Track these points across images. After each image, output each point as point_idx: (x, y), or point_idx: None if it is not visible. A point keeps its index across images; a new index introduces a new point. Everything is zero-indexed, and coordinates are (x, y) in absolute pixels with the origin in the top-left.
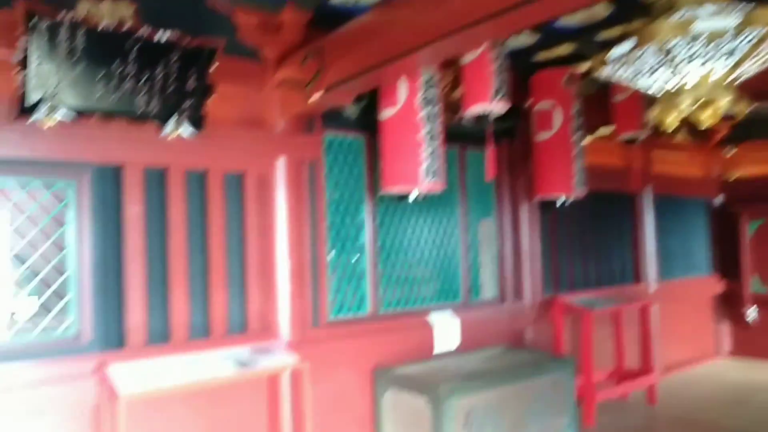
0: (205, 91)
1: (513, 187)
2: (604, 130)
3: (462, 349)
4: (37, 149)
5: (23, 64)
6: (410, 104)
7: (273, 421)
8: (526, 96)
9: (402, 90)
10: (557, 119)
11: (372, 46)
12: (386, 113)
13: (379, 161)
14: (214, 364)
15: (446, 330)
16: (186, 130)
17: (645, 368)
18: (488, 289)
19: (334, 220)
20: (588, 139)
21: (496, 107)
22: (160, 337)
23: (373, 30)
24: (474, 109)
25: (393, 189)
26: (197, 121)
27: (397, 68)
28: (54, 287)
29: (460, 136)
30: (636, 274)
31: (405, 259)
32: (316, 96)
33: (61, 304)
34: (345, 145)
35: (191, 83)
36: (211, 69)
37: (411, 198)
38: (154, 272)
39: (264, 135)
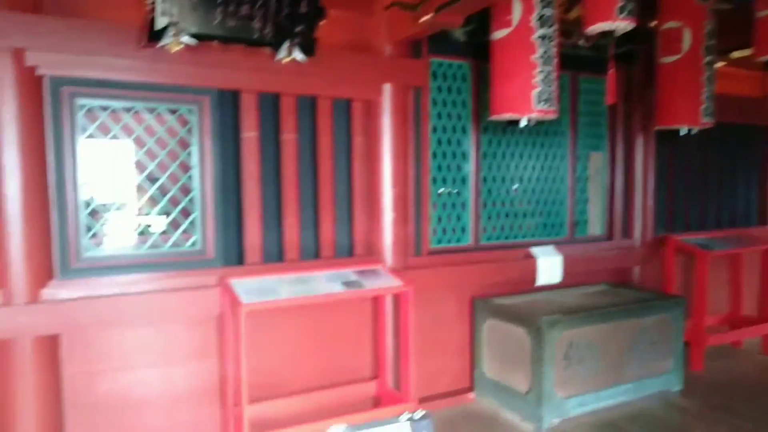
0: (316, 15)
1: (629, 117)
2: (740, 53)
3: (564, 284)
4: (163, 75)
5: None
6: (525, 24)
7: (377, 339)
8: (651, 15)
9: (516, 8)
10: (686, 40)
11: None
12: (498, 34)
13: (487, 86)
14: (324, 282)
15: (548, 264)
16: (298, 55)
17: (764, 315)
18: (595, 225)
19: (437, 149)
20: (720, 64)
21: (621, 25)
22: (274, 256)
23: None
24: (596, 28)
25: (502, 115)
26: (309, 46)
27: None
28: (181, 206)
29: (573, 61)
30: (761, 216)
31: (508, 191)
32: (426, 17)
33: (187, 221)
34: (451, 70)
35: (303, 7)
36: None
37: (521, 125)
38: (269, 195)
39: (371, 60)
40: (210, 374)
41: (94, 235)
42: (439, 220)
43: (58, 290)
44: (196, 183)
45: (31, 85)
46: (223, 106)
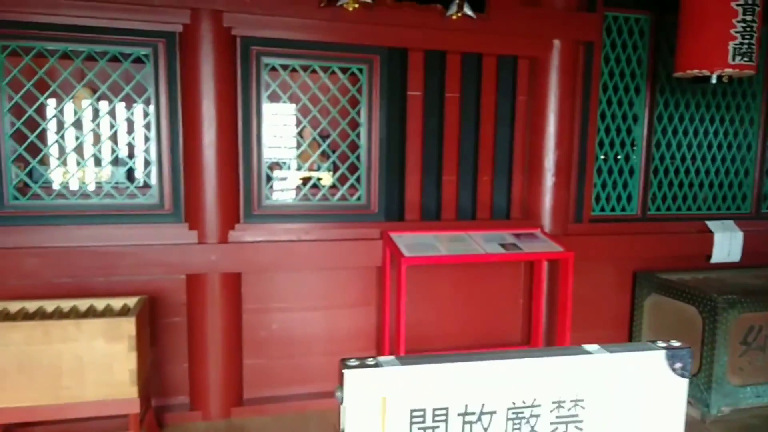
0: None
1: None
2: None
3: (741, 264)
4: (339, 34)
5: None
6: None
7: (531, 305)
8: None
9: None
10: None
11: None
12: None
13: (668, 42)
14: (481, 243)
15: (726, 240)
16: (468, 11)
17: None
18: None
19: (606, 110)
20: None
21: None
22: (432, 214)
23: None
24: None
25: (689, 72)
26: (479, 2)
27: None
28: (348, 162)
29: None
30: None
31: (684, 158)
32: None
33: (354, 177)
34: (628, 25)
35: None
36: None
37: (711, 81)
38: (430, 154)
39: (542, 14)
40: (368, 321)
41: (272, 186)
42: (603, 186)
43: (242, 233)
44: (363, 140)
45: (225, 45)
46: (391, 65)
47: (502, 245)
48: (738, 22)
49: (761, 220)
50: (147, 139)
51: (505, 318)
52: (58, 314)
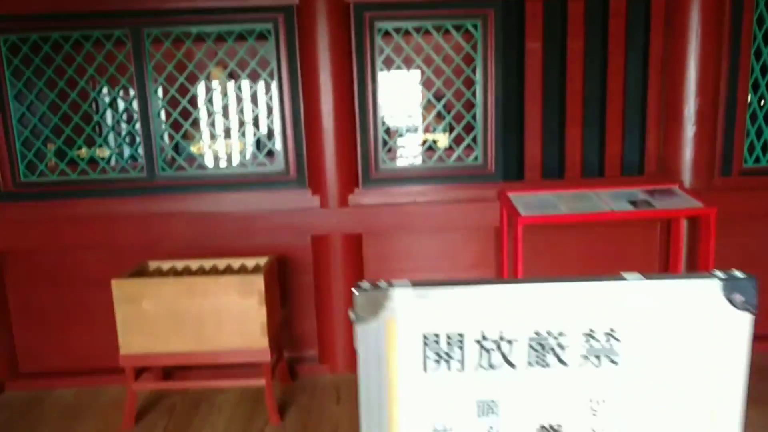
0: None
1: None
2: None
3: None
4: None
5: None
6: None
7: (667, 267)
8: None
9: None
10: None
11: None
12: None
13: None
14: (607, 200)
15: None
16: None
17: None
18: None
19: (763, 46)
20: None
21: None
22: (554, 172)
23: None
24: None
25: None
26: None
27: None
28: (464, 122)
29: None
30: None
31: None
32: None
33: (470, 137)
34: None
35: None
36: None
37: None
38: (551, 109)
39: None
40: None
41: (389, 150)
42: (759, 134)
43: (361, 197)
44: (478, 99)
45: (339, 14)
46: (507, 17)
47: (632, 202)
48: None
49: None
50: (271, 110)
51: None
52: (201, 272)
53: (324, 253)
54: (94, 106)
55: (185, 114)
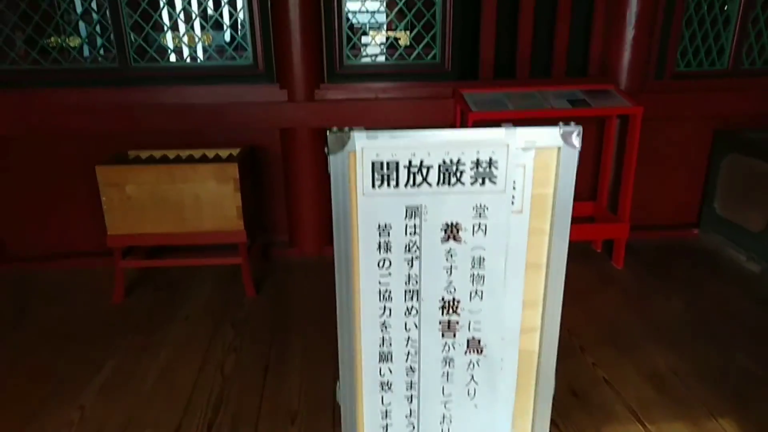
0: None
1: None
2: None
3: None
4: None
5: None
6: None
7: (600, 161)
8: None
9: None
10: None
11: None
12: None
13: None
14: (550, 99)
15: None
16: None
17: None
18: None
19: None
20: None
21: None
22: (506, 72)
23: None
24: None
25: None
26: None
27: None
28: (423, 20)
29: None
30: None
31: None
32: None
33: (428, 36)
34: None
35: None
36: None
37: None
38: (505, 9)
39: None
40: None
41: (353, 47)
42: (692, 39)
43: (326, 92)
44: None
45: None
46: None
47: (571, 101)
48: None
49: None
50: (241, 4)
51: None
52: (179, 161)
53: (292, 145)
54: None
55: (154, 5)
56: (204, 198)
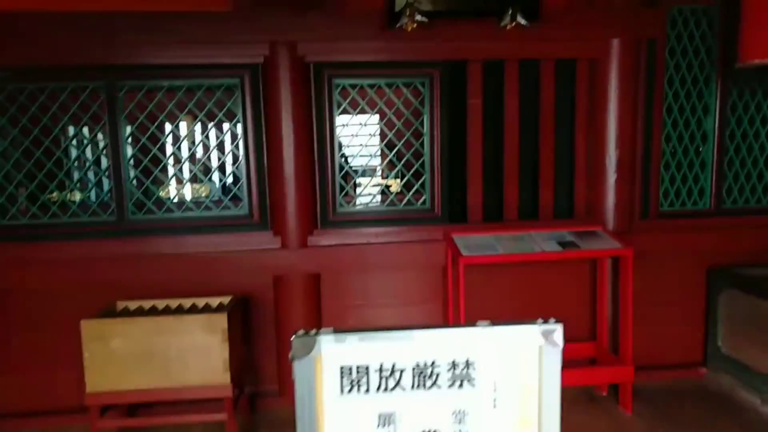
0: None
1: None
2: None
3: None
4: (401, 53)
5: None
6: None
7: (596, 302)
8: None
9: None
10: None
11: None
12: None
13: (738, 27)
14: (539, 242)
15: None
16: (521, 20)
17: None
18: None
19: (673, 103)
20: None
21: None
22: (494, 215)
23: None
24: None
25: (753, 61)
26: (532, 10)
27: None
28: (413, 169)
29: None
30: None
31: (764, 148)
32: None
33: (419, 183)
34: (694, 16)
35: None
36: None
37: None
38: (490, 158)
39: (599, 16)
40: (436, 316)
41: (345, 194)
42: (672, 181)
43: (319, 238)
44: (426, 148)
45: (299, 70)
46: (451, 77)
47: (561, 243)
48: None
49: None
50: (237, 158)
51: (571, 315)
52: (168, 311)
53: (284, 291)
54: (66, 152)
55: (155, 160)
56: (190, 350)
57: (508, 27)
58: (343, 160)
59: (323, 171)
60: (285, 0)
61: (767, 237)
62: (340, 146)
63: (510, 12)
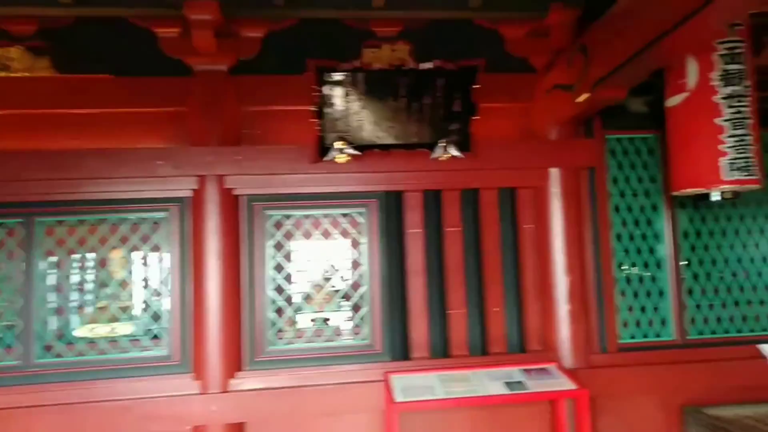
0: (469, 112)
1: None
2: None
3: None
4: (335, 184)
5: (319, 113)
6: (704, 84)
7: None
8: None
9: (691, 70)
10: None
11: (642, 22)
12: (673, 101)
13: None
14: (485, 382)
15: None
16: (454, 152)
17: None
18: None
19: (622, 230)
20: None
21: None
22: (440, 352)
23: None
24: None
25: (685, 191)
26: (464, 143)
27: (676, 42)
28: (351, 301)
29: None
30: None
31: (721, 275)
32: (583, 96)
33: (358, 316)
34: (633, 145)
35: (456, 106)
36: (474, 89)
37: (712, 199)
38: (433, 289)
39: (534, 147)
40: None
41: (278, 331)
42: (630, 310)
43: (244, 381)
44: (365, 279)
45: (229, 203)
46: (389, 206)
47: (508, 384)
48: (728, 137)
49: None
50: (159, 294)
51: None
52: None
53: None
54: None
55: (65, 300)
56: None
57: (442, 158)
58: (275, 293)
59: (252, 307)
60: (214, 134)
61: (742, 371)
62: (273, 279)
63: (443, 144)
